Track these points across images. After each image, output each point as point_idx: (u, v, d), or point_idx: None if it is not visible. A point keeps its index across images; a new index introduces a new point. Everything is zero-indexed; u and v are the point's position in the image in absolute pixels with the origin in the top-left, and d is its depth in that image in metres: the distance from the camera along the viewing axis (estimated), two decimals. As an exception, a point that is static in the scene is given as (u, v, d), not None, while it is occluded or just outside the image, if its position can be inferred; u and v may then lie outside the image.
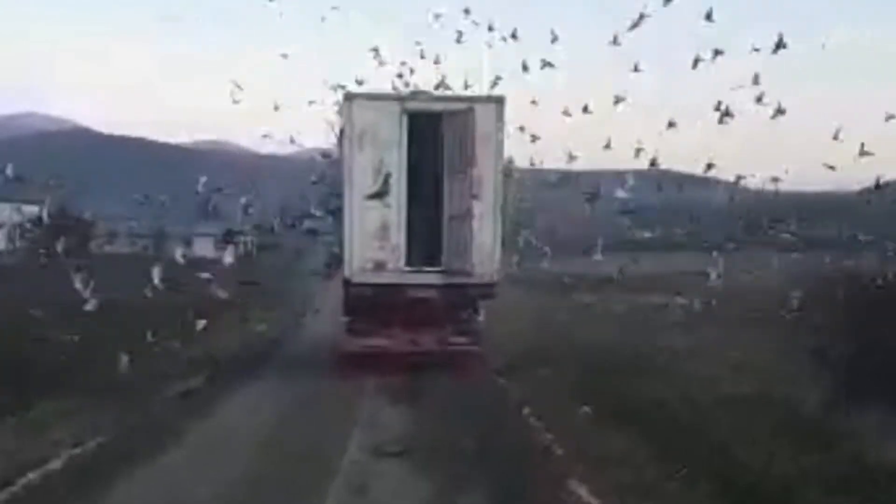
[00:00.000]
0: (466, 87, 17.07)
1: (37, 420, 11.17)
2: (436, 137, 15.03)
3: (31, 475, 8.73)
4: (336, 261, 17.14)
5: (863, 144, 14.48)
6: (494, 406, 13.01)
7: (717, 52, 15.07)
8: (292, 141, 21.89)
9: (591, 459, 9.31)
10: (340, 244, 15.63)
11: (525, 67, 16.51)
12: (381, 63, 17.42)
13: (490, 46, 17.13)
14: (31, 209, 62.61)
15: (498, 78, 16.94)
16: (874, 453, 8.43)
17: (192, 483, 8.69)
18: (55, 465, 9.21)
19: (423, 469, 9.24)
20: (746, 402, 11.26)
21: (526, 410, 12.24)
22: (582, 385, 13.48)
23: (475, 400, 13.33)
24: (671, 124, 16.76)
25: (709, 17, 14.76)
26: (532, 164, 18.51)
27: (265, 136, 20.63)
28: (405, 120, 14.88)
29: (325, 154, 20.09)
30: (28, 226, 56.23)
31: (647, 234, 30.23)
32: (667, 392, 12.14)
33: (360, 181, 14.91)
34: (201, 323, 17.44)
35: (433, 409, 12.70)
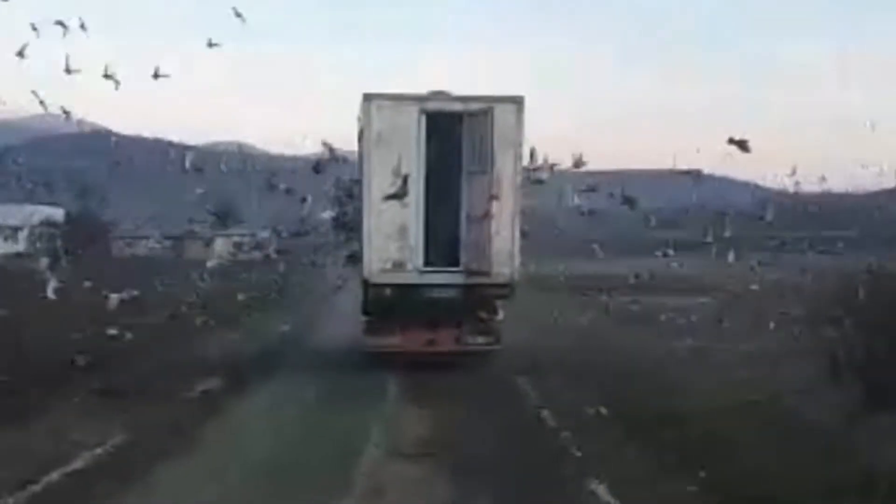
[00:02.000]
0: None
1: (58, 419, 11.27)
2: (455, 138, 15.01)
3: (54, 474, 8.82)
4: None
5: None
6: (512, 406, 12.97)
7: None
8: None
9: (610, 464, 9.30)
10: (359, 244, 15.67)
11: None
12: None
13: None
14: (52, 211, 63.39)
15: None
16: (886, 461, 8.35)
17: (207, 478, 8.76)
18: (77, 464, 9.29)
19: (441, 469, 9.25)
20: (762, 408, 11.19)
21: (544, 413, 12.20)
22: (601, 386, 13.49)
23: (493, 401, 13.30)
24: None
25: None
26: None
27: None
28: (424, 120, 14.86)
29: (317, 168, 20.10)
30: (44, 229, 56.82)
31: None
32: (684, 397, 12.10)
33: (378, 182, 14.92)
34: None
35: (451, 409, 12.68)
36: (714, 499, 8.11)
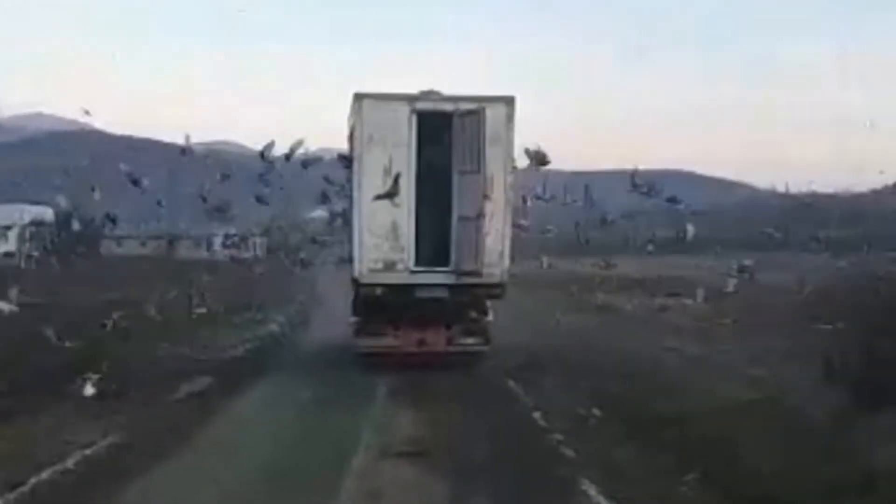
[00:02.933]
0: None
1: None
2: (446, 137, 14.99)
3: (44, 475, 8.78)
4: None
5: None
6: (503, 408, 12.94)
7: None
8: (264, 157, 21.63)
9: (602, 464, 9.29)
10: (350, 244, 15.63)
11: None
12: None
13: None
14: (42, 210, 63.00)
15: None
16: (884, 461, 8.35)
17: (202, 482, 8.72)
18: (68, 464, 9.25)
19: (432, 470, 9.22)
20: (758, 408, 11.19)
21: (536, 414, 12.18)
22: (592, 387, 13.49)
23: (484, 402, 13.28)
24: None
25: None
26: None
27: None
28: (415, 120, 14.82)
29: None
30: (35, 229, 56.56)
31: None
32: (678, 397, 12.09)
33: (369, 181, 14.88)
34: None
35: (442, 411, 12.64)
36: (710, 499, 8.09)
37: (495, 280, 15.07)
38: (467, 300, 15.53)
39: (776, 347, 16.09)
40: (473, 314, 15.77)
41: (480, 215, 14.63)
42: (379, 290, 15.14)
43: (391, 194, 14.79)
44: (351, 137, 15.62)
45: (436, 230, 15.18)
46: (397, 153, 14.78)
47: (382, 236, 14.95)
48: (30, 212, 59.85)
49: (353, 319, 16.05)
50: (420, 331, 15.44)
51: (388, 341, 15.45)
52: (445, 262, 15.16)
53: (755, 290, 27.31)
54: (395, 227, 14.91)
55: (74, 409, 11.95)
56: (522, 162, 16.97)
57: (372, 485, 8.69)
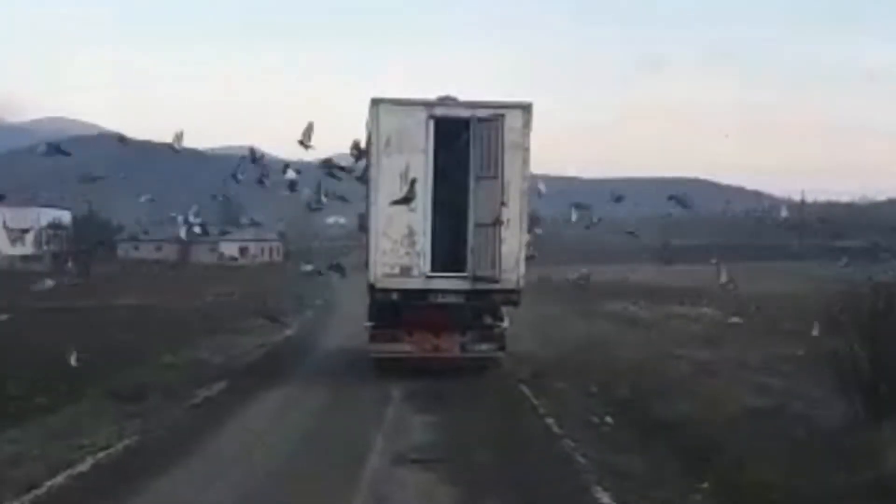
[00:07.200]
0: None
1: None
2: (463, 143, 14.97)
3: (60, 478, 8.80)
4: None
5: None
6: (517, 415, 12.90)
7: None
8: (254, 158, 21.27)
9: (615, 471, 9.25)
10: (366, 248, 15.64)
11: None
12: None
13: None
14: (59, 213, 63.22)
15: None
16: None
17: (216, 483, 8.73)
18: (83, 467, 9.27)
19: (446, 477, 9.19)
20: (768, 416, 11.12)
21: (549, 420, 12.13)
22: (604, 394, 13.44)
23: (499, 408, 13.24)
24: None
25: None
26: None
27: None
28: (432, 125, 14.82)
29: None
30: (53, 232, 56.86)
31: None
32: (689, 405, 12.02)
33: (386, 186, 14.87)
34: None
35: (456, 417, 12.61)
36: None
37: (512, 286, 15.03)
38: (483, 306, 15.52)
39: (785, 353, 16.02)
40: (489, 320, 15.75)
41: (497, 221, 14.61)
42: (394, 295, 15.15)
43: (407, 199, 14.77)
44: (368, 142, 15.62)
45: (452, 236, 15.16)
46: (414, 158, 14.78)
47: (398, 241, 14.95)
48: (48, 215, 60.28)
49: (368, 324, 16.06)
50: (435, 336, 15.42)
51: (402, 346, 15.44)
52: (461, 268, 15.13)
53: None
54: (411, 233, 14.91)
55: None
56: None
57: (384, 490, 8.68)
